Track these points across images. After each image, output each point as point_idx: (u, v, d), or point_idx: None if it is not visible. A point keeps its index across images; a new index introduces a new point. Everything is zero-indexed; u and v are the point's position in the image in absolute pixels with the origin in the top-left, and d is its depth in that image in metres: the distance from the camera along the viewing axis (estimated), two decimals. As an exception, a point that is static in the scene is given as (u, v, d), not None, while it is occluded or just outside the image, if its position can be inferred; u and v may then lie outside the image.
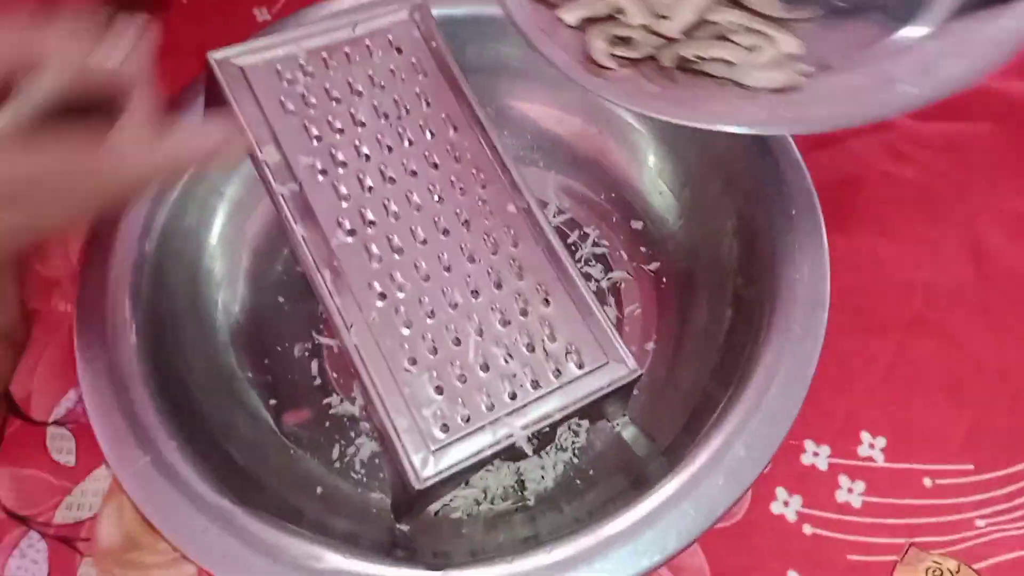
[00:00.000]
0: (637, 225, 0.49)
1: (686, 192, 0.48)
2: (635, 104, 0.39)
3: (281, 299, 0.48)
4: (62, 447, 0.44)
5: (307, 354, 0.46)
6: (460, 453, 0.35)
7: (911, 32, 0.41)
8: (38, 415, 0.45)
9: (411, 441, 0.35)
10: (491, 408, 0.36)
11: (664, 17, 0.41)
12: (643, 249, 0.49)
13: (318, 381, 0.46)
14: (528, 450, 0.36)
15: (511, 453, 0.37)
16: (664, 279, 0.48)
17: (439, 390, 0.36)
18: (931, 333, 0.46)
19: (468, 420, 0.36)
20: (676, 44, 0.41)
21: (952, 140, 0.51)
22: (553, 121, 0.51)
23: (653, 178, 0.49)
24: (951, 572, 0.40)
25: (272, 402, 0.44)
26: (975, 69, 0.36)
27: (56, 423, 0.45)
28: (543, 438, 0.38)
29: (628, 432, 0.43)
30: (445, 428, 0.35)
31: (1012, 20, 0.37)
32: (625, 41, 0.41)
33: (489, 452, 0.35)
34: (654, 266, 0.48)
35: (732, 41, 0.41)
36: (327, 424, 0.44)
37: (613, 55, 0.40)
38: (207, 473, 0.37)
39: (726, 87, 0.40)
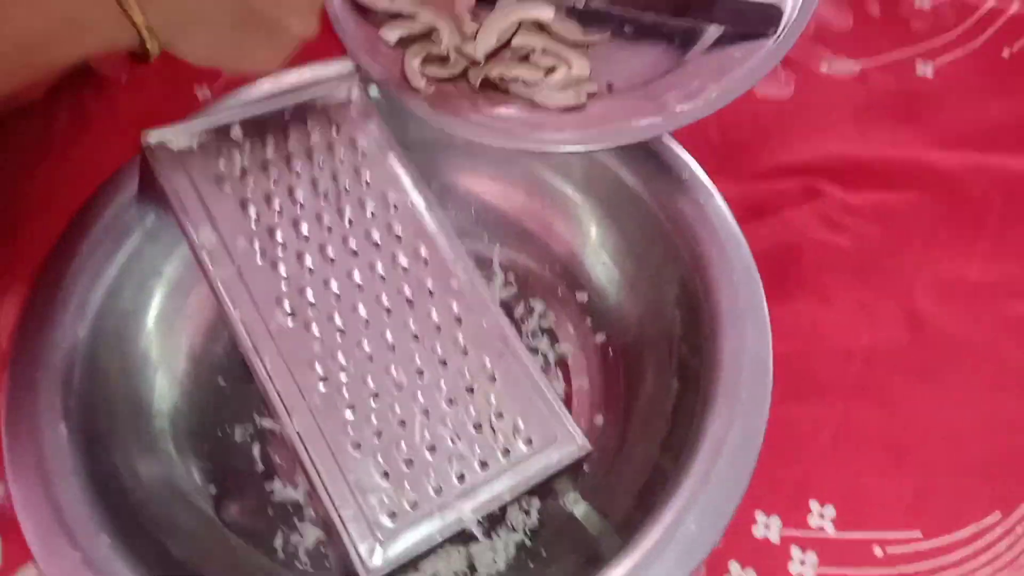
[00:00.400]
0: (582, 297, 0.50)
1: (628, 263, 0.48)
2: (437, 122, 0.43)
3: (222, 381, 0.46)
4: (-13, 545, 0.42)
5: (249, 438, 0.45)
6: (408, 540, 0.34)
7: (685, 58, 0.48)
8: (-38, 511, 0.43)
9: (357, 530, 0.34)
10: (439, 491, 0.36)
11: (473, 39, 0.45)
12: (589, 321, 0.49)
13: (260, 467, 0.44)
14: (478, 533, 0.36)
15: (461, 537, 0.36)
16: (611, 351, 0.48)
17: (385, 475, 0.35)
18: (872, 398, 0.47)
19: (416, 506, 0.35)
20: (484, 65, 0.45)
21: (882, 209, 0.53)
22: (497, 196, 0.52)
23: (596, 250, 0.50)
24: (906, 642, 0.40)
25: (212, 490, 0.43)
26: (729, 93, 0.44)
27: (-19, 519, 0.42)
28: (493, 519, 0.37)
29: (580, 509, 0.43)
30: (392, 515, 0.35)
31: (761, 52, 0.45)
32: (443, 59, 0.45)
33: (438, 538, 0.35)
34: (600, 338, 0.48)
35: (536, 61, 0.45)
36: (270, 512, 0.43)
37: (429, 75, 0.44)
38: (142, 570, 0.35)
39: (523, 105, 0.45)
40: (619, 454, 0.44)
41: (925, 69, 0.59)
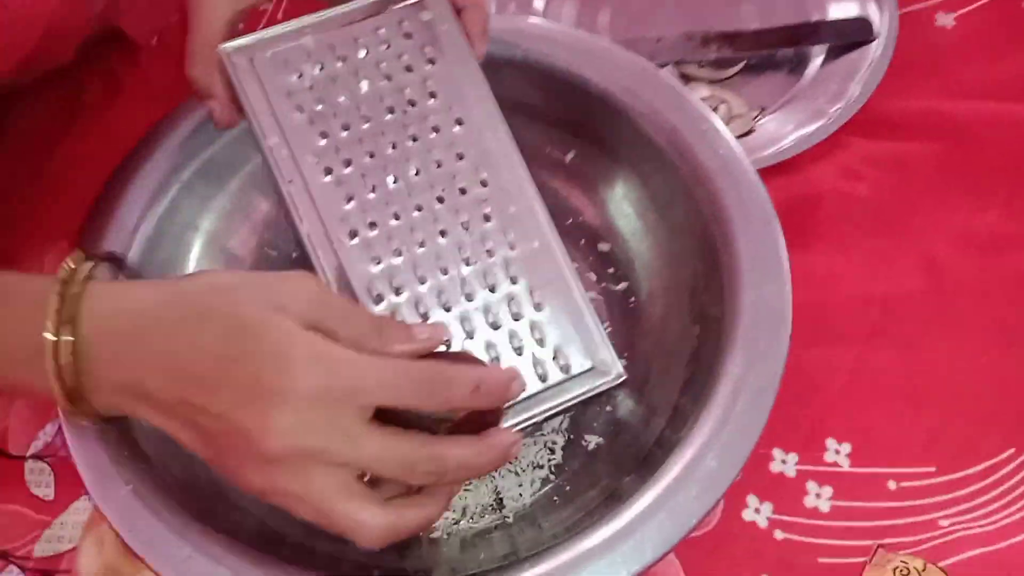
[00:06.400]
0: (604, 247, 0.50)
1: (651, 215, 0.49)
2: None
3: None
4: (40, 481, 0.44)
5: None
6: None
7: (803, 78, 0.59)
8: (15, 450, 0.45)
9: None
10: None
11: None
12: (611, 270, 0.50)
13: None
14: None
15: None
16: (632, 298, 0.49)
17: None
18: (889, 343, 0.48)
19: None
20: None
21: (902, 159, 0.53)
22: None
23: (619, 202, 0.50)
24: (917, 571, 0.41)
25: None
26: (864, 92, 0.54)
27: (34, 457, 0.45)
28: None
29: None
30: None
31: (874, 54, 0.56)
32: None
33: None
34: (622, 286, 0.49)
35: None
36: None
37: None
38: (190, 500, 0.37)
39: None
40: (640, 397, 0.46)
41: (945, 19, 0.59)
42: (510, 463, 0.42)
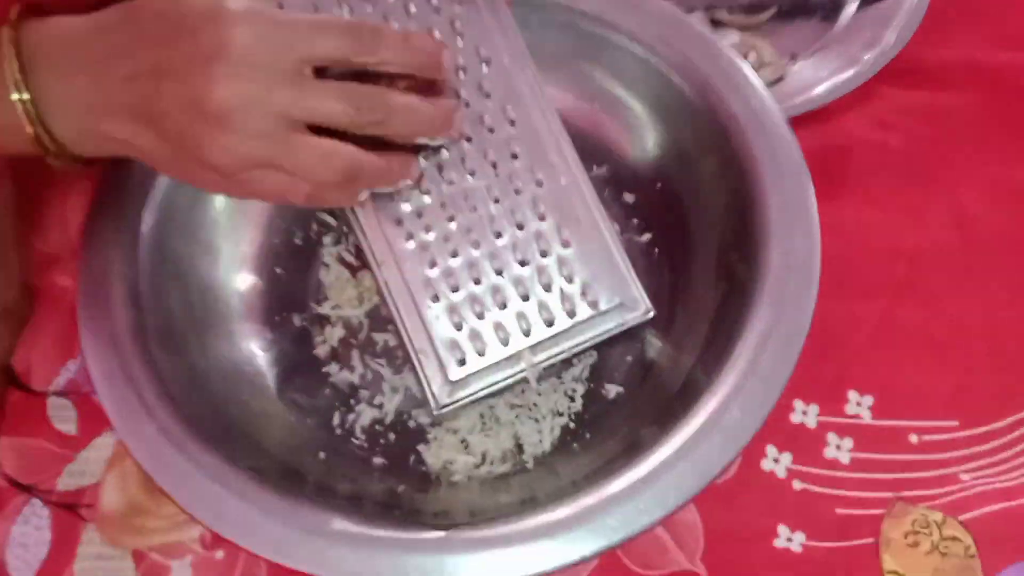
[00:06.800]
0: (629, 198, 0.50)
1: (678, 167, 0.48)
2: None
3: (279, 270, 0.48)
4: (63, 416, 0.45)
5: (306, 323, 0.47)
6: (476, 384, 0.39)
7: (836, 25, 0.57)
8: (38, 386, 0.45)
9: (431, 372, 0.39)
10: (506, 343, 0.39)
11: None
12: (635, 221, 0.49)
13: (316, 350, 0.46)
14: (534, 382, 0.41)
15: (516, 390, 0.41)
16: (656, 250, 0.48)
17: (458, 326, 0.39)
18: (916, 296, 0.47)
19: (483, 353, 0.39)
20: None
21: (936, 109, 0.52)
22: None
23: (645, 153, 0.50)
24: (936, 524, 0.41)
25: (273, 370, 0.45)
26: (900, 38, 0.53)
27: (57, 393, 0.45)
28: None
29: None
30: (462, 362, 0.39)
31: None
32: None
33: (501, 383, 0.40)
34: (646, 237, 0.49)
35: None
36: (327, 392, 0.45)
37: None
38: (213, 439, 0.38)
39: None
40: (662, 348, 0.45)
41: (985, -35, 0.57)
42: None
